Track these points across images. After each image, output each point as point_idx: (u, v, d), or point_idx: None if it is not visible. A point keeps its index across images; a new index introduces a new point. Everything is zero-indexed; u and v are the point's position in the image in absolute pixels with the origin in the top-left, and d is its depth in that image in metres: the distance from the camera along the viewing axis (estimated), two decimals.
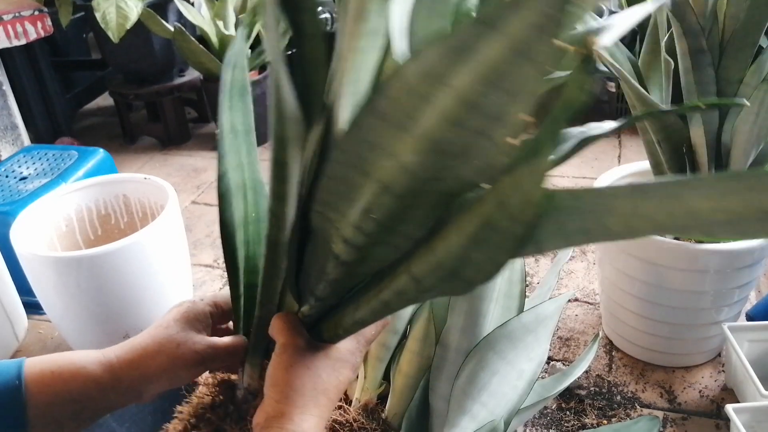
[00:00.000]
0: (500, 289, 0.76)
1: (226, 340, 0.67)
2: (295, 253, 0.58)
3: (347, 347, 0.60)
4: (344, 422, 0.80)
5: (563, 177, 2.15)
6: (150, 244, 1.27)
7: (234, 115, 0.69)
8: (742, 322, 1.32)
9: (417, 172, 0.43)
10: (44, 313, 1.49)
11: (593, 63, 0.33)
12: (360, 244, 0.51)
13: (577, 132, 0.55)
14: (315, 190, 0.51)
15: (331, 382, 0.58)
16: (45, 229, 1.40)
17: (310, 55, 0.51)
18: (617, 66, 1.05)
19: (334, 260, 0.54)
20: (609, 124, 0.52)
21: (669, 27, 1.07)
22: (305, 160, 0.50)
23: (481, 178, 0.43)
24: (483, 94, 0.37)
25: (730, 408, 1.05)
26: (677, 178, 0.36)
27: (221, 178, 0.67)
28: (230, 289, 0.69)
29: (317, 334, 0.61)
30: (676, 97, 1.13)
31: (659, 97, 1.18)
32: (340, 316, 0.59)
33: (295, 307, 0.63)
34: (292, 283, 0.61)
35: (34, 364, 0.61)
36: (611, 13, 2.51)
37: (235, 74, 0.68)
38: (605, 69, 2.01)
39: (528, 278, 1.64)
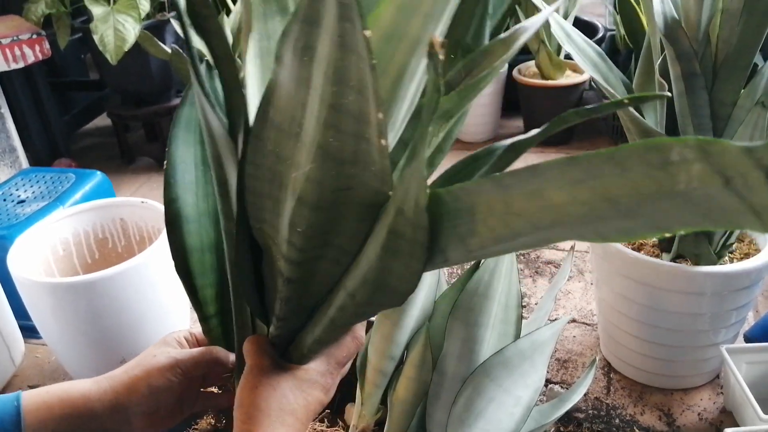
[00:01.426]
0: (496, 314, 0.76)
1: (201, 348, 0.70)
2: (251, 273, 0.59)
3: (316, 368, 0.60)
4: None
5: None
6: (147, 268, 1.26)
7: (186, 149, 0.69)
8: (740, 343, 1.32)
9: (322, 181, 0.44)
10: (41, 338, 1.49)
11: (438, 62, 0.33)
12: (296, 260, 0.51)
13: (507, 142, 0.56)
14: (247, 207, 0.52)
15: (298, 403, 0.57)
16: (42, 253, 1.40)
17: (227, 76, 0.52)
18: (610, 89, 1.06)
19: (281, 278, 0.55)
20: (534, 131, 0.53)
21: (662, 50, 1.08)
22: (238, 177, 0.51)
23: (383, 185, 0.44)
24: (338, 93, 0.38)
25: None
26: (530, 165, 0.34)
27: (170, 204, 0.67)
28: (200, 322, 0.70)
29: (288, 356, 0.61)
30: (671, 119, 1.14)
31: (654, 119, 1.19)
32: (302, 336, 0.59)
33: (265, 330, 0.64)
34: (256, 304, 0.61)
35: (31, 396, 0.63)
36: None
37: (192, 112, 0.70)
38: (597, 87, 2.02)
39: (525, 299, 1.64)
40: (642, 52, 1.22)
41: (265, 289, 0.60)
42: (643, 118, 1.11)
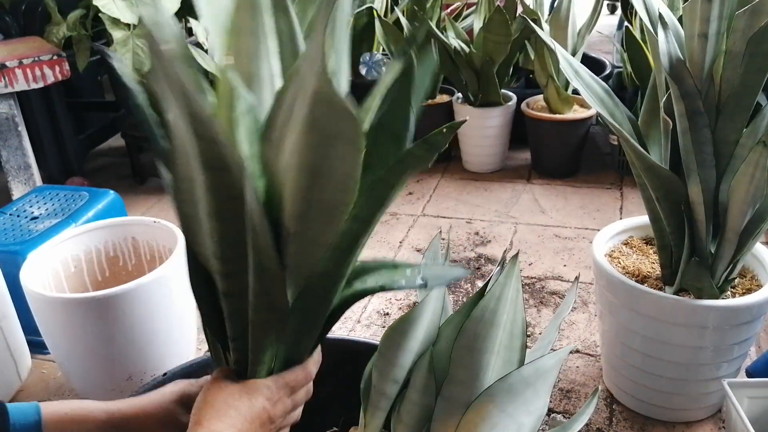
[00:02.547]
0: (501, 341, 0.77)
1: None
2: (208, 299, 0.67)
3: (263, 382, 0.68)
4: None
5: (565, 227, 2.17)
6: (157, 287, 1.29)
7: None
8: (743, 378, 1.32)
9: (214, 191, 0.54)
10: (48, 353, 1.50)
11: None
12: (224, 272, 0.61)
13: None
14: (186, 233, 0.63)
15: (243, 402, 0.65)
16: (54, 269, 1.42)
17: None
18: (616, 125, 1.08)
19: (221, 294, 0.63)
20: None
21: (668, 88, 1.11)
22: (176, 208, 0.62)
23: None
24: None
25: None
26: None
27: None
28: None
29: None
30: (675, 155, 1.16)
31: (658, 155, 1.21)
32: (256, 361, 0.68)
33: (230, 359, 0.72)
34: (215, 329, 0.69)
35: (50, 406, 0.69)
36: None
37: None
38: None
39: (530, 329, 1.65)
40: (648, 90, 1.25)
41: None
42: (648, 153, 1.13)
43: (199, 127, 0.51)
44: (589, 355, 1.55)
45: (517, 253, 0.75)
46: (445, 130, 0.61)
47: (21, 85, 2.01)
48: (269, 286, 0.62)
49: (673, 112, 1.11)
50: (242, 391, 0.67)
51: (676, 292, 1.23)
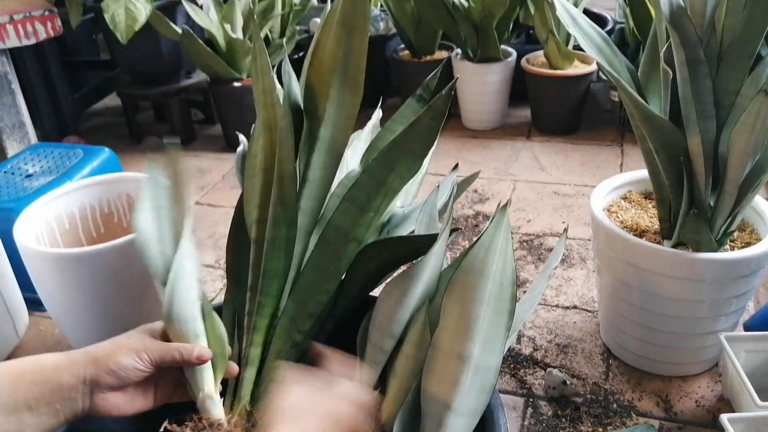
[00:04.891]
0: (491, 291, 0.76)
1: (168, 343, 0.74)
2: (238, 249, 0.89)
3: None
4: None
5: (565, 185, 2.15)
6: None
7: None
8: (740, 332, 1.32)
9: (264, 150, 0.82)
10: (45, 310, 1.50)
11: None
12: (257, 217, 0.84)
13: None
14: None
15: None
16: (48, 225, 1.41)
17: None
18: (613, 73, 1.06)
19: (252, 242, 0.86)
20: None
21: (668, 38, 1.08)
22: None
23: None
24: None
25: (724, 417, 1.05)
26: None
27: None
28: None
29: None
30: (675, 107, 1.14)
31: (658, 106, 1.19)
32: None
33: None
34: (236, 278, 0.91)
35: (8, 363, 0.68)
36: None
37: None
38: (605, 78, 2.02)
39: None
40: (648, 41, 1.22)
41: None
42: (647, 103, 1.11)
43: (267, 97, 0.78)
44: (587, 311, 1.55)
45: (508, 203, 0.74)
46: (444, 92, 0.75)
47: (12, 42, 1.97)
48: (288, 220, 0.80)
49: (673, 62, 1.08)
50: (323, 394, 0.67)
51: (674, 246, 1.22)
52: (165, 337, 0.76)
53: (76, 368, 0.68)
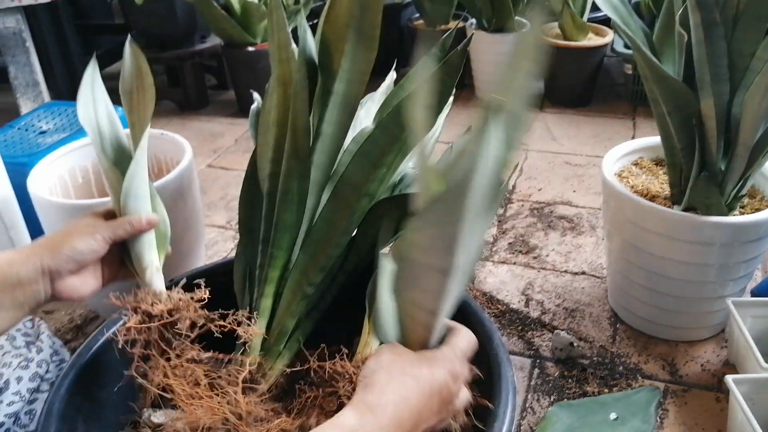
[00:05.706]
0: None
1: (117, 219, 0.81)
2: (250, 203, 0.95)
3: (443, 352, 0.67)
4: (344, 373, 0.81)
5: (576, 155, 2.15)
6: (163, 195, 1.28)
7: None
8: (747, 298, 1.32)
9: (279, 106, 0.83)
10: None
11: None
12: (270, 171, 0.86)
13: None
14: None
15: (422, 371, 0.63)
16: (61, 178, 1.42)
17: None
18: (630, 34, 1.06)
19: (264, 195, 0.90)
20: None
21: (684, 1, 1.07)
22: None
23: None
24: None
25: (729, 378, 1.06)
26: None
27: None
28: None
29: None
30: (689, 71, 1.13)
31: (672, 69, 1.18)
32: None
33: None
34: (247, 231, 0.94)
35: None
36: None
37: None
38: (622, 51, 2.02)
39: (537, 250, 1.65)
40: (663, 7, 1.21)
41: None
42: (662, 65, 1.10)
43: (282, 52, 0.80)
44: (595, 276, 1.55)
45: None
46: (459, 48, 0.79)
47: None
48: (301, 173, 0.81)
49: (689, 25, 1.07)
50: (421, 359, 0.63)
51: (684, 210, 1.22)
52: (109, 217, 0.82)
53: (32, 261, 0.71)
